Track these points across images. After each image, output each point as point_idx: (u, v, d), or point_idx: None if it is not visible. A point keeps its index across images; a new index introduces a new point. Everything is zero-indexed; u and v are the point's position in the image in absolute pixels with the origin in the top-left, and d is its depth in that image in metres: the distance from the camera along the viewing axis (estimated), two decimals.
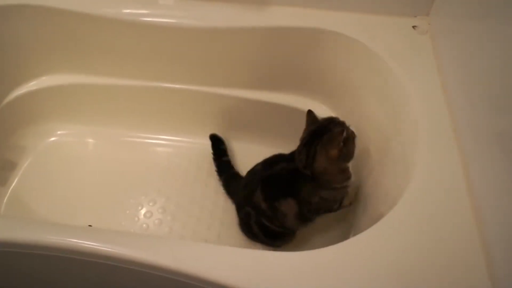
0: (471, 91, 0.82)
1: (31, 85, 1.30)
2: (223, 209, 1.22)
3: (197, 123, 1.34)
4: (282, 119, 1.27)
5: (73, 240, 0.72)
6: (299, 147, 0.96)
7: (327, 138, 0.89)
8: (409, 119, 0.89)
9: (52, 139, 1.37)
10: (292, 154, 0.97)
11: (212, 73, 1.24)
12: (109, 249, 0.71)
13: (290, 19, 1.10)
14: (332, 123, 0.93)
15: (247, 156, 1.29)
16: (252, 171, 1.06)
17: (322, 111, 1.22)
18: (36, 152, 1.34)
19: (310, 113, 0.97)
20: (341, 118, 1.17)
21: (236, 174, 1.21)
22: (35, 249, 0.73)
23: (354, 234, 0.90)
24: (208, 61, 1.21)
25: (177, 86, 1.27)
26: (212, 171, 1.28)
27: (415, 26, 1.07)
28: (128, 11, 1.13)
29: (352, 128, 0.93)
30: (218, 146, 1.28)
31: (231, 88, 1.26)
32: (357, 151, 0.93)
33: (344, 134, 0.87)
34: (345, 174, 0.92)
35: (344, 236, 1.04)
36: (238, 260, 0.70)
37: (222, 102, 1.29)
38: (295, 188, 0.94)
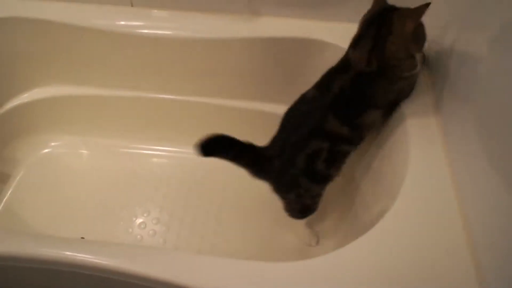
0: (458, 96, 0.83)
1: (24, 97, 1.30)
2: (216, 219, 1.22)
3: (190, 134, 1.34)
4: (275, 129, 1.27)
5: (66, 252, 0.72)
6: (352, 46, 0.88)
7: (404, 11, 0.83)
8: (399, 125, 0.90)
9: (45, 150, 1.37)
10: (344, 62, 0.90)
11: (205, 83, 1.25)
12: (102, 261, 0.71)
13: (281, 29, 1.11)
14: (391, 12, 0.84)
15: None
16: (303, 101, 0.94)
17: None
18: (29, 164, 1.33)
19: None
20: None
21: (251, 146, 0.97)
22: (28, 262, 0.73)
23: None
24: (201, 72, 1.22)
25: (170, 96, 1.28)
26: (205, 182, 1.28)
27: None
28: (122, 23, 1.14)
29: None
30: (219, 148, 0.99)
31: (224, 99, 1.27)
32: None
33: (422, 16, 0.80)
34: (414, 61, 0.85)
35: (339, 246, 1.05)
36: (231, 271, 0.70)
37: (214, 112, 1.29)
38: (369, 98, 0.87)
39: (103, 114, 1.34)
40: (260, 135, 1.31)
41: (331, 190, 1.01)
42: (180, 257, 0.75)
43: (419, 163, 0.82)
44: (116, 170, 1.33)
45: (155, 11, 1.16)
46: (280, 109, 1.25)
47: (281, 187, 0.98)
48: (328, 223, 1.15)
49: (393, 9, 0.85)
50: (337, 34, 1.09)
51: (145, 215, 1.23)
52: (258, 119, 1.28)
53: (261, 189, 1.01)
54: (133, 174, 1.32)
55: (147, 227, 1.21)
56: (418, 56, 0.85)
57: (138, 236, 1.19)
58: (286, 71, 1.18)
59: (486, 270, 0.67)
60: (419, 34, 0.85)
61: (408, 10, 0.82)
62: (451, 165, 0.81)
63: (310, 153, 0.89)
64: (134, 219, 1.23)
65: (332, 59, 1.09)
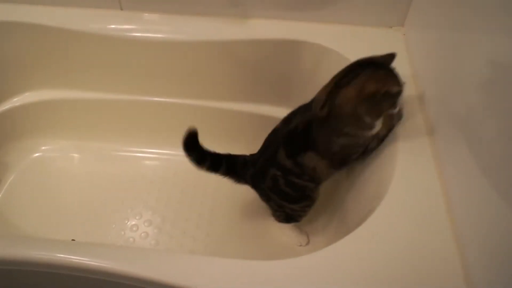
0: (445, 98, 0.85)
1: (15, 101, 1.30)
2: (208, 221, 1.22)
3: (182, 136, 1.35)
4: (266, 130, 1.28)
5: (57, 255, 0.72)
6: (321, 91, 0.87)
7: (379, 74, 0.79)
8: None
9: (36, 154, 1.36)
10: (312, 100, 0.90)
11: (195, 86, 1.26)
12: (94, 263, 0.71)
13: (271, 31, 1.13)
14: (371, 66, 0.81)
15: None
16: (273, 132, 0.97)
17: None
18: (20, 168, 1.33)
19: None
20: None
21: (230, 156, 1.02)
22: (19, 265, 0.73)
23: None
24: (193, 74, 1.23)
25: (161, 99, 1.29)
26: (197, 184, 1.28)
27: None
28: (113, 26, 1.15)
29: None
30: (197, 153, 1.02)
31: (216, 101, 1.28)
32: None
33: (395, 89, 0.77)
34: (364, 122, 0.81)
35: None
36: (225, 270, 0.71)
37: (208, 115, 1.30)
38: (312, 140, 0.86)
39: (94, 118, 1.35)
40: (251, 137, 1.32)
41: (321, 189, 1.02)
42: (173, 258, 0.76)
43: (407, 163, 0.83)
44: (108, 173, 1.33)
45: (146, 14, 1.17)
46: (272, 110, 1.27)
47: (260, 195, 1.04)
48: (318, 222, 1.16)
49: (378, 65, 0.81)
50: (325, 35, 1.10)
51: (137, 217, 1.24)
52: (250, 121, 1.29)
53: (252, 191, 1.03)
54: (125, 177, 1.32)
55: (139, 229, 1.21)
56: (375, 121, 0.81)
57: (131, 239, 1.19)
58: (276, 72, 1.19)
59: (472, 268, 0.68)
60: (379, 102, 0.78)
61: (381, 75, 0.79)
62: (439, 165, 0.83)
63: (272, 176, 0.94)
64: (126, 221, 1.23)
65: (320, 60, 1.12)
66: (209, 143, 1.33)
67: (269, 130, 1.28)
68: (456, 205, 0.75)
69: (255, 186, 1.02)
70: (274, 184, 0.95)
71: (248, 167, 0.99)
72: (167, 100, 1.28)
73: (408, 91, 0.96)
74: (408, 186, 0.80)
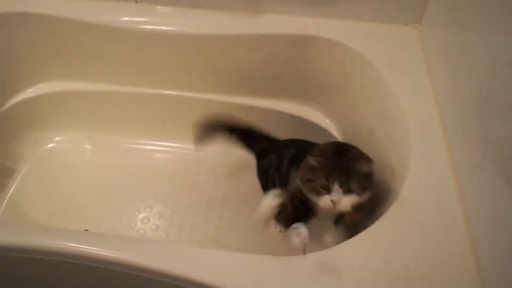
0: (461, 98, 0.84)
1: (29, 92, 1.31)
2: (218, 215, 1.23)
3: (193, 130, 1.36)
4: (276, 125, 1.27)
5: (71, 244, 0.73)
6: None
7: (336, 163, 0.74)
8: (401, 126, 0.91)
9: (50, 145, 1.38)
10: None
11: (208, 80, 1.26)
12: (107, 253, 0.72)
13: (285, 26, 1.12)
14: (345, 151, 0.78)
15: (242, 161, 1.30)
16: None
17: (317, 118, 1.24)
18: (34, 158, 1.35)
19: None
20: (335, 125, 1.19)
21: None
22: (33, 253, 0.74)
23: None
24: (205, 68, 1.23)
25: (174, 92, 1.29)
26: (208, 178, 1.29)
27: None
28: (126, 18, 1.15)
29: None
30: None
31: (227, 95, 1.28)
32: None
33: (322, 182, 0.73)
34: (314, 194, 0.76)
35: None
36: (235, 264, 0.71)
37: (218, 109, 1.30)
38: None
39: (107, 110, 1.35)
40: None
41: None
42: (183, 250, 0.77)
43: (421, 157, 0.82)
44: (119, 166, 1.34)
45: (159, 7, 1.17)
46: (283, 105, 1.26)
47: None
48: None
49: (352, 155, 0.76)
50: (340, 31, 1.09)
51: (147, 210, 1.24)
52: (263, 117, 1.28)
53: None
54: (135, 169, 1.33)
55: (150, 222, 1.22)
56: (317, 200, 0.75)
57: (141, 231, 1.20)
58: (290, 67, 1.19)
59: (486, 265, 0.67)
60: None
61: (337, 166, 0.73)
62: (453, 161, 0.82)
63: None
64: (137, 214, 1.24)
65: (335, 56, 1.11)
66: (223, 138, 1.34)
67: (277, 124, 1.28)
68: (469, 201, 0.75)
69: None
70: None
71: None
72: (179, 93, 1.28)
73: (422, 88, 0.95)
74: (421, 184, 0.79)
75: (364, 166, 0.73)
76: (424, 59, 1.02)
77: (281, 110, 1.26)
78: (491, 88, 0.72)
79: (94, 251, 0.72)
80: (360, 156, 0.76)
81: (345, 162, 0.74)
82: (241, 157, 1.23)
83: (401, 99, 0.93)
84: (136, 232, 1.20)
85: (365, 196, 0.74)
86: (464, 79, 0.83)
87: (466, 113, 0.81)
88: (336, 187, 0.72)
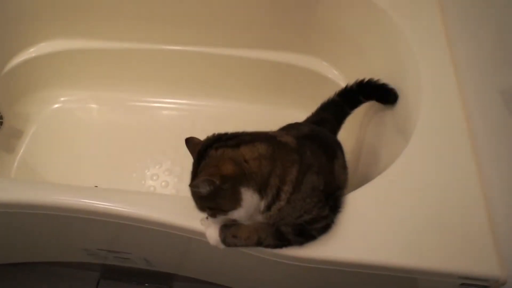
0: (476, 46, 0.80)
1: (30, 52, 1.28)
2: None
3: (200, 85, 1.34)
4: (285, 78, 1.26)
5: (81, 200, 0.73)
6: None
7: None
8: (413, 75, 0.88)
9: (56, 105, 1.37)
10: None
11: (214, 33, 1.22)
12: (119, 208, 0.73)
13: None
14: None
15: (249, 116, 1.30)
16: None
17: (324, 68, 1.21)
18: (40, 119, 1.34)
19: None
20: (344, 75, 1.15)
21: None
22: (46, 209, 0.75)
23: None
24: (211, 21, 1.19)
25: (179, 48, 1.26)
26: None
27: None
28: None
29: None
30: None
31: (234, 48, 1.24)
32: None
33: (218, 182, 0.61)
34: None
35: None
36: None
37: (225, 63, 1.27)
38: None
39: (112, 68, 1.33)
40: (274, 86, 1.30)
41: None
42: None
43: (432, 106, 0.81)
44: (126, 123, 1.34)
45: None
46: (290, 57, 1.23)
47: None
48: None
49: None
50: None
51: (157, 167, 1.25)
52: (270, 68, 1.25)
53: None
54: (143, 127, 1.33)
55: (159, 179, 1.23)
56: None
57: (151, 188, 1.22)
58: (297, 18, 1.14)
59: (496, 204, 0.67)
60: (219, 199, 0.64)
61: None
62: (466, 108, 0.80)
63: None
64: (146, 171, 1.25)
65: (344, 4, 1.06)
66: (226, 92, 1.32)
67: (286, 77, 1.25)
68: (481, 144, 0.74)
69: None
70: None
71: None
72: (185, 48, 1.26)
73: (436, 37, 0.91)
74: (433, 129, 0.78)
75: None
76: (438, 5, 0.97)
77: (288, 62, 1.22)
78: (508, 36, 0.68)
79: (105, 206, 0.73)
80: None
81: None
82: (251, 112, 1.22)
83: (414, 47, 0.89)
84: (146, 189, 1.21)
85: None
86: (480, 29, 0.79)
87: (481, 61, 0.78)
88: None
